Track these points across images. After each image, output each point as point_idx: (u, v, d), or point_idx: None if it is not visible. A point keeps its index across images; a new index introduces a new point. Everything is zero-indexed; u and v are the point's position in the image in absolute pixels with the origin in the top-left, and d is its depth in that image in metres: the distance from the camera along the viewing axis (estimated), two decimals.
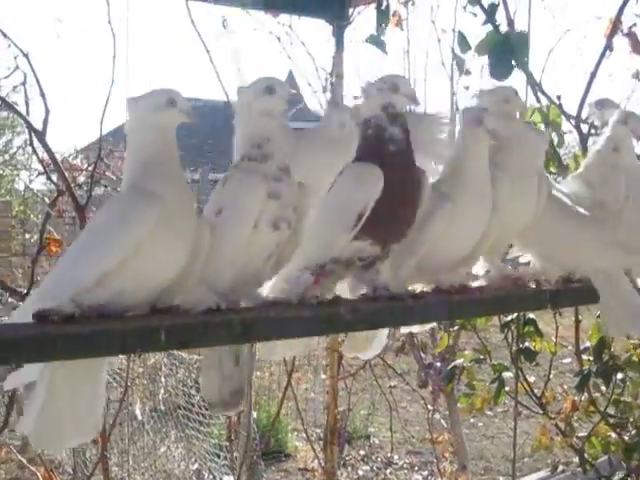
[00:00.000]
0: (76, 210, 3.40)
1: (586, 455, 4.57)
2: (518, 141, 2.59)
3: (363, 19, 4.17)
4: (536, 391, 4.56)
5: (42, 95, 3.43)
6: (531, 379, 4.49)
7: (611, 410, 4.50)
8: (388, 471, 8.55)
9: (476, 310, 2.60)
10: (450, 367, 4.38)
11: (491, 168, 2.47)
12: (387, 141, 2.21)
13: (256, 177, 2.09)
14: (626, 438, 4.40)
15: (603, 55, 4.01)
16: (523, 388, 4.23)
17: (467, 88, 4.91)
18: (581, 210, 2.72)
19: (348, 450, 8.94)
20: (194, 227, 1.98)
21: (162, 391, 8.02)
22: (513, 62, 3.38)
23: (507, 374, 4.10)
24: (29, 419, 1.93)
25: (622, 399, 4.44)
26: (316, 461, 8.56)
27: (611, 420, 4.47)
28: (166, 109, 1.98)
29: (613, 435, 4.49)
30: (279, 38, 4.83)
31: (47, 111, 3.39)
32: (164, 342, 1.79)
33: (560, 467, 5.11)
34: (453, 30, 4.10)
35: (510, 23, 3.57)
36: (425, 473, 8.38)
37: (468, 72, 3.92)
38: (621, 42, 4.16)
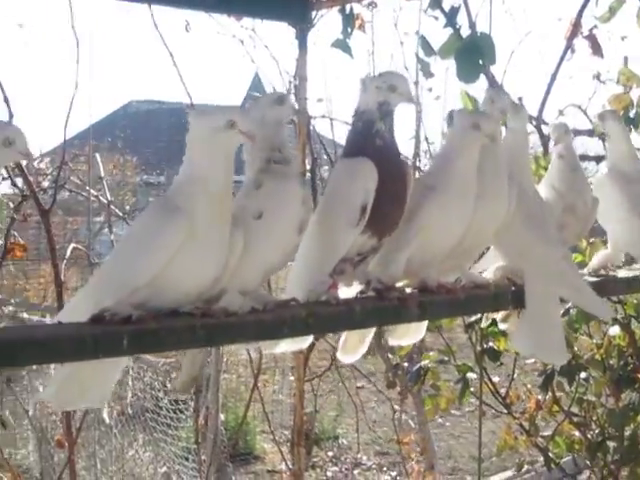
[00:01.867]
0: (41, 214, 3.39)
1: (551, 454, 4.61)
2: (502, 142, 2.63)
3: (326, 22, 4.18)
4: (501, 391, 4.60)
5: (5, 100, 3.42)
6: (495, 379, 4.53)
7: (575, 409, 4.54)
8: (357, 472, 8.58)
9: (446, 311, 2.62)
10: (415, 368, 4.41)
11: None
12: (374, 135, 2.27)
13: (295, 183, 2.17)
14: (590, 437, 4.45)
15: (563, 57, 4.06)
16: (488, 388, 4.27)
17: (430, 90, 4.94)
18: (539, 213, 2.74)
19: (316, 451, 8.95)
20: (224, 240, 2.00)
21: (129, 394, 7.99)
22: (481, 63, 3.41)
23: (472, 374, 4.13)
24: (53, 385, 2.14)
25: (585, 398, 4.49)
26: (284, 463, 8.62)
27: (575, 419, 4.52)
28: (225, 131, 1.99)
29: (577, 434, 4.54)
30: (242, 41, 4.83)
31: (11, 115, 3.37)
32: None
33: (525, 466, 5.15)
34: (416, 33, 4.11)
35: (472, 26, 3.60)
36: (394, 473, 8.42)
37: (431, 75, 3.93)
38: (582, 44, 4.20)
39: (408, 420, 7.43)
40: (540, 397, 4.58)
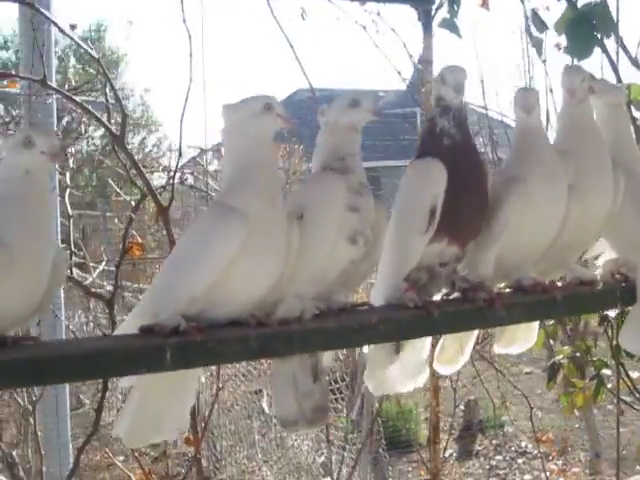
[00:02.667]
0: (159, 213, 3.41)
1: None
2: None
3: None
4: None
5: (117, 99, 3.46)
6: (634, 375, 4.22)
7: None
8: (521, 461, 8.36)
9: (540, 312, 2.42)
10: (550, 363, 4.19)
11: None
12: (440, 135, 2.13)
13: (339, 183, 2.04)
14: None
15: None
16: (625, 385, 4.00)
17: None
18: None
19: (481, 439, 8.80)
20: (283, 238, 1.93)
21: None
22: (599, 36, 3.18)
23: (607, 371, 3.88)
24: (123, 420, 2.02)
25: None
26: (448, 451, 8.51)
27: None
28: (263, 115, 1.94)
29: None
30: (365, 27, 4.71)
31: (124, 115, 3.40)
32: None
33: None
34: (526, 12, 3.84)
35: None
36: (560, 462, 8.15)
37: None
38: None
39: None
40: None
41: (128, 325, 1.96)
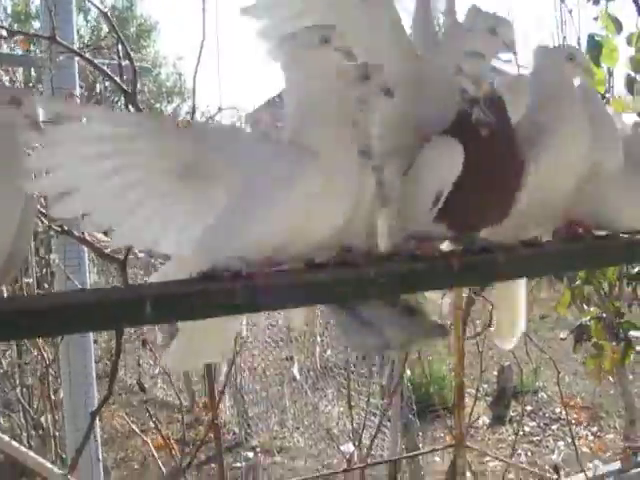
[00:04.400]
0: None
1: None
2: None
3: None
4: None
5: (128, 55, 3.37)
6: None
7: None
8: (555, 427, 8.26)
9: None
10: (577, 325, 4.07)
11: None
12: (472, 122, 1.94)
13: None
14: None
15: None
16: None
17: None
18: None
19: (514, 406, 8.71)
20: (354, 177, 1.83)
21: (318, 349, 8.05)
22: None
23: (636, 332, 3.75)
24: (173, 351, 2.08)
25: None
26: (482, 418, 8.44)
27: None
28: (320, 47, 1.81)
29: None
30: None
31: (135, 72, 3.32)
32: None
33: None
34: None
35: None
36: (595, 429, 8.05)
37: None
38: None
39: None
40: None
41: (170, 271, 1.89)
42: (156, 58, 20.57)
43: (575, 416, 8.36)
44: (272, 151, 1.85)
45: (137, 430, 4.44)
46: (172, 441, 3.56)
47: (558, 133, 2.07)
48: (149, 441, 3.69)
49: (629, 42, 3.20)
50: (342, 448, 5.17)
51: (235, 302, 1.66)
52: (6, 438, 3.53)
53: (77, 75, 5.01)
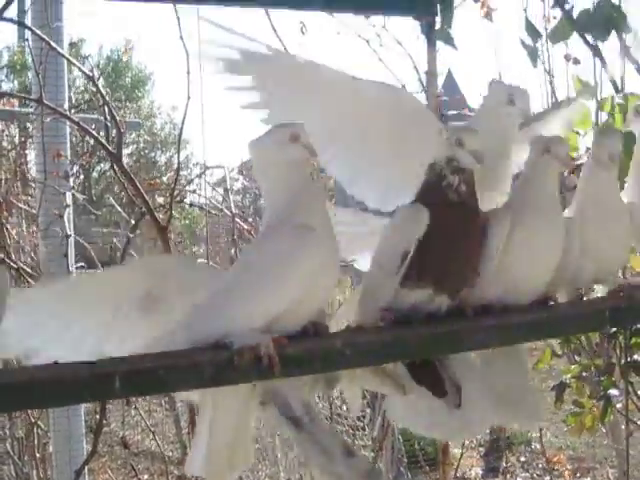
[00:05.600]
0: (158, 231, 3.39)
1: None
2: None
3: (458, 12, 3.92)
4: None
5: (112, 117, 3.44)
6: None
7: None
8: (548, 478, 8.22)
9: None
10: (558, 383, 4.08)
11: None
12: (445, 188, 2.10)
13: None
14: None
15: None
16: (635, 406, 3.88)
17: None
18: None
19: (508, 457, 8.67)
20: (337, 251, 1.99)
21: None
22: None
23: (614, 391, 3.75)
24: (197, 456, 2.11)
25: None
26: (475, 469, 8.40)
27: None
28: (290, 144, 1.96)
29: None
30: (368, 41, 4.64)
31: (120, 133, 3.39)
32: None
33: None
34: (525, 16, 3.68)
35: None
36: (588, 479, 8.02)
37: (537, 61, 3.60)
38: None
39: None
40: None
41: (173, 341, 1.91)
42: (151, 108, 20.63)
43: (560, 469, 8.34)
44: (271, 232, 1.99)
45: None
46: None
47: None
48: None
49: (601, 108, 3.25)
50: None
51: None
52: None
53: (67, 133, 5.05)
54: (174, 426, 8.20)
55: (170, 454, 7.46)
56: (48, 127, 4.63)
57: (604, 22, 3.07)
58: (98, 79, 3.46)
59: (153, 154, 19.25)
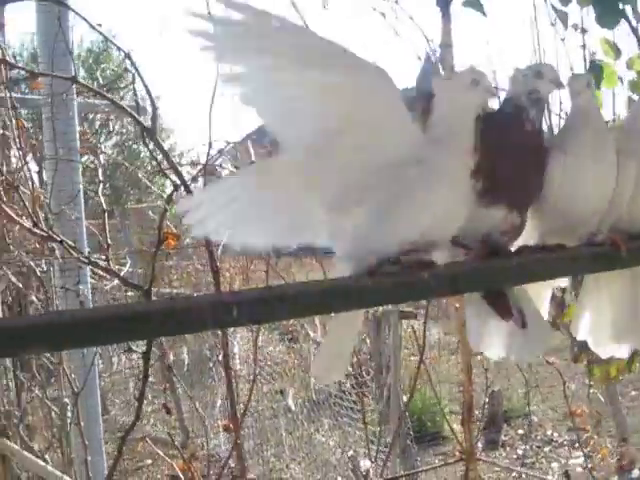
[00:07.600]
0: None
1: None
2: None
3: None
4: None
5: (148, 93, 3.48)
6: None
7: None
8: (547, 449, 8.36)
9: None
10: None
11: None
12: (523, 120, 2.13)
13: None
14: None
15: None
16: None
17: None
18: None
19: (506, 430, 8.80)
20: None
21: (313, 380, 8.09)
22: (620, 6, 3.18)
23: None
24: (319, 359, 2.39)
25: None
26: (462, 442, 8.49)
27: None
28: (471, 89, 2.01)
29: None
30: (384, 14, 4.70)
31: (154, 108, 3.42)
32: None
33: None
34: None
35: None
36: (587, 450, 8.14)
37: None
38: None
39: (597, 394, 7.18)
40: None
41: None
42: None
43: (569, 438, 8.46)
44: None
45: (162, 454, 4.48)
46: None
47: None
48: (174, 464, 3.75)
49: (629, 66, 3.34)
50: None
51: None
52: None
53: (76, 116, 5.10)
54: (175, 411, 8.28)
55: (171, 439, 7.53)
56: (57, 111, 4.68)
57: None
58: (128, 55, 3.48)
59: (136, 145, 19.29)
